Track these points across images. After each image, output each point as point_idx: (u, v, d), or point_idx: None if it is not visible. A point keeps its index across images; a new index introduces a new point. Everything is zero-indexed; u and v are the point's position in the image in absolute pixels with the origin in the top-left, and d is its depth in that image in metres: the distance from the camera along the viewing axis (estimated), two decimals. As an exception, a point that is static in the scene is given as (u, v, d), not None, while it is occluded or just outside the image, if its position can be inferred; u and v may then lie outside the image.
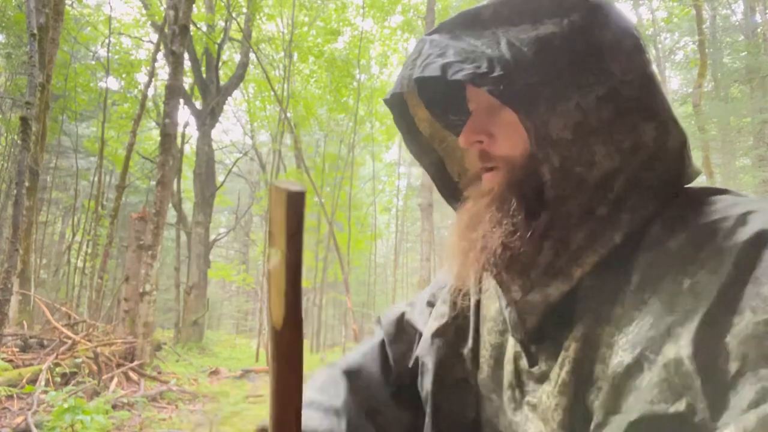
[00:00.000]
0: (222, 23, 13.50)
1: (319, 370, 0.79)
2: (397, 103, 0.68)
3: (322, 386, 0.74)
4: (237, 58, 14.63)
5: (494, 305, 0.68)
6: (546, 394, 0.55)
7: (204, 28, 12.94)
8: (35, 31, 5.56)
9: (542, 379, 0.57)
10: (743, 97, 11.53)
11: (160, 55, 11.86)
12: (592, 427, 0.48)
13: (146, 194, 16.70)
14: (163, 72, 13.72)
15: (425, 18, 11.01)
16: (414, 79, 0.57)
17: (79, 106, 13.99)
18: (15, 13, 10.87)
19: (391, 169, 22.27)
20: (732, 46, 12.39)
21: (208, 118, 12.78)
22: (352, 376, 0.75)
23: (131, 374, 6.31)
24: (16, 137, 9.76)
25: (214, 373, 8.42)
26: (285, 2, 13.68)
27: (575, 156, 0.51)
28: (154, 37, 13.39)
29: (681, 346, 0.41)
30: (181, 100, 9.65)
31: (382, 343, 0.80)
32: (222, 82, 13.26)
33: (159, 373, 6.95)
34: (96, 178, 12.65)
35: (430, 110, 0.69)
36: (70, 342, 6.27)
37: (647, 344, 0.44)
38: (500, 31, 0.53)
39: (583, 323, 0.52)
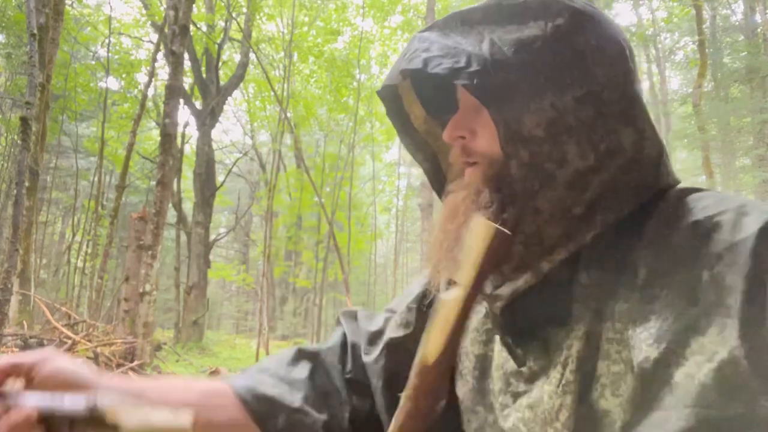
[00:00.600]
0: (222, 23, 13.50)
1: (281, 350, 0.80)
2: (391, 98, 0.69)
3: (281, 360, 0.76)
4: (237, 58, 14.63)
5: (476, 316, 0.68)
6: (547, 395, 0.54)
7: (204, 28, 12.94)
8: (35, 31, 5.56)
9: (532, 378, 0.57)
10: (743, 97, 11.53)
11: (160, 55, 11.87)
12: (619, 424, 0.47)
13: (146, 194, 16.69)
14: (163, 72, 13.73)
15: (425, 18, 11.01)
16: (407, 75, 0.59)
17: (79, 106, 13.98)
18: (15, 13, 10.87)
19: (391, 169, 22.27)
20: (732, 46, 12.39)
21: (208, 118, 12.78)
22: (311, 357, 0.76)
23: (131, 374, 6.31)
24: (16, 137, 9.76)
25: (214, 373, 8.41)
26: (285, 2, 13.68)
27: (545, 153, 0.52)
28: (154, 37, 13.40)
29: (731, 345, 0.41)
30: (181, 100, 9.65)
31: (344, 335, 0.81)
32: (222, 82, 13.26)
33: (159, 373, 6.95)
34: (96, 178, 12.65)
35: (426, 108, 0.70)
36: (70, 342, 6.27)
37: (673, 338, 0.44)
38: (486, 31, 0.55)
39: (583, 322, 0.53)
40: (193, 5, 8.17)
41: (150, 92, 12.95)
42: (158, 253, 6.80)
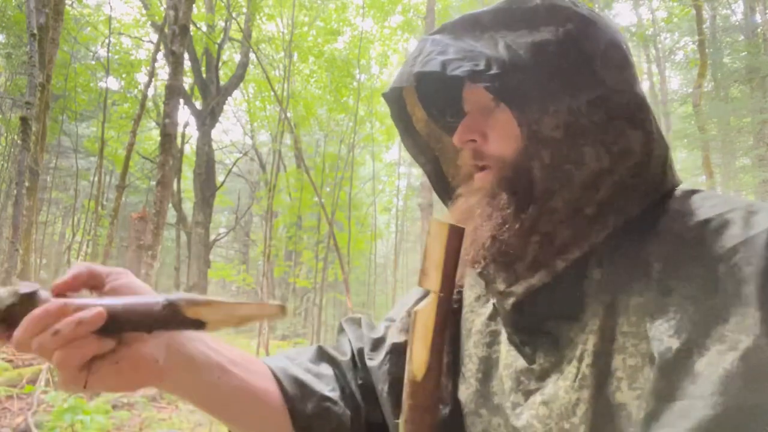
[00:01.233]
0: (222, 23, 13.50)
1: (299, 347, 0.81)
2: (395, 100, 0.70)
3: (305, 354, 0.76)
4: (237, 58, 14.63)
5: (479, 318, 0.68)
6: (563, 390, 0.54)
7: (204, 28, 12.93)
8: (35, 31, 5.56)
9: (543, 376, 0.57)
10: (743, 97, 11.52)
11: (160, 55, 11.86)
12: (642, 415, 0.47)
13: (146, 194, 16.69)
14: (163, 72, 13.73)
15: (425, 18, 11.01)
16: (414, 77, 0.59)
17: (79, 106, 13.97)
18: (15, 13, 10.86)
19: (391, 169, 22.26)
20: (732, 46, 12.39)
21: (208, 118, 12.77)
22: (331, 360, 0.77)
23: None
24: (16, 137, 9.76)
25: (214, 373, 8.41)
26: (285, 2, 13.67)
27: (564, 154, 0.54)
28: (154, 37, 13.39)
29: (754, 333, 0.42)
30: (181, 100, 9.65)
31: (349, 342, 0.81)
32: (222, 82, 13.26)
33: (159, 373, 6.95)
34: (96, 178, 12.64)
35: (428, 111, 0.71)
36: (70, 342, 6.27)
37: (693, 328, 0.45)
38: (498, 35, 0.56)
39: (597, 316, 0.54)
40: (193, 5, 8.17)
41: (150, 92, 12.95)
42: (158, 254, 6.80)
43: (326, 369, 0.74)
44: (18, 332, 0.44)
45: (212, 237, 14.08)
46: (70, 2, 11.92)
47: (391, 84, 0.65)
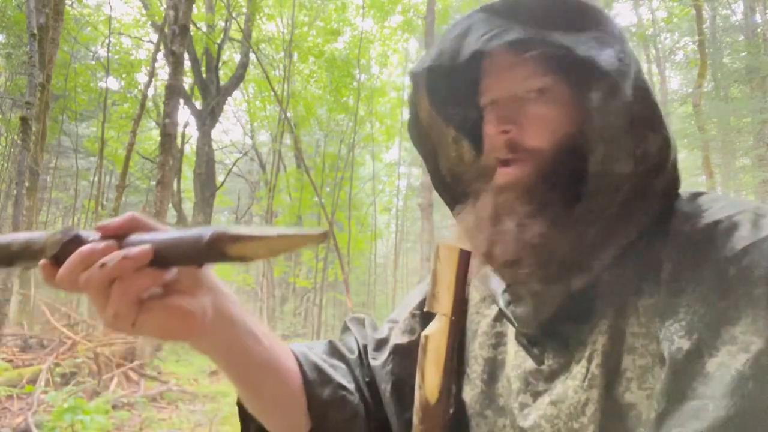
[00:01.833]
0: (222, 23, 13.49)
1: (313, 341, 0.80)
2: (416, 83, 0.67)
3: (318, 347, 0.76)
4: (237, 58, 14.62)
5: (485, 320, 0.68)
6: (572, 390, 0.54)
7: (204, 28, 12.93)
8: (35, 31, 5.56)
9: (552, 377, 0.57)
10: (743, 97, 11.53)
11: (160, 55, 11.87)
12: (653, 415, 0.47)
13: (146, 194, 16.69)
14: (163, 72, 13.72)
15: (425, 18, 11.01)
16: (471, 54, 0.56)
17: (79, 106, 13.98)
18: (15, 13, 10.86)
19: (391, 169, 22.25)
20: (732, 46, 12.40)
21: (208, 118, 12.76)
22: (342, 357, 0.76)
23: (131, 374, 6.30)
24: (16, 137, 9.76)
25: (214, 373, 8.40)
26: (285, 2, 13.68)
27: (611, 154, 0.54)
28: (154, 37, 13.39)
29: (766, 335, 0.42)
30: (181, 100, 9.65)
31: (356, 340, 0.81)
32: (222, 82, 13.25)
33: (159, 373, 6.95)
34: (96, 178, 12.65)
35: (431, 99, 0.68)
36: (70, 342, 6.27)
37: (704, 329, 0.46)
38: (547, 26, 0.55)
39: (607, 317, 0.54)
40: (193, 5, 8.17)
41: (150, 92, 12.96)
42: (158, 253, 6.79)
43: (339, 362, 0.73)
44: (65, 268, 0.44)
45: (212, 237, 14.03)
46: (70, 2, 11.93)
47: (430, 61, 0.61)
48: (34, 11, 5.66)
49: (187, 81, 12.93)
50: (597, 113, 0.53)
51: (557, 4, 0.57)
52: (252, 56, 13.16)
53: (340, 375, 0.70)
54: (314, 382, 0.66)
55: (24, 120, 5.23)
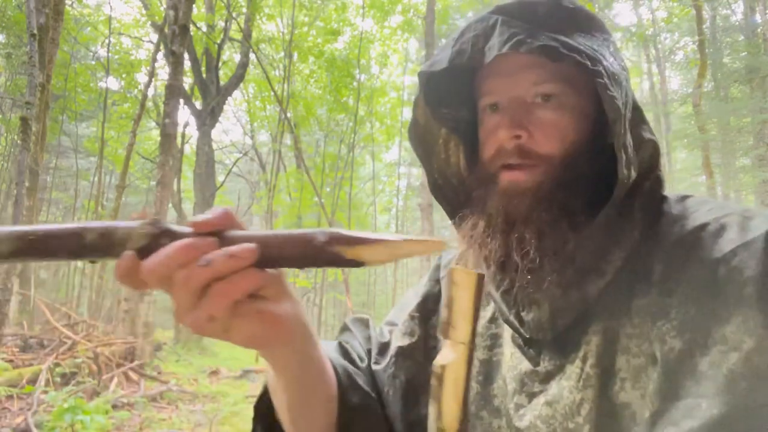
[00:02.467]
0: (222, 23, 13.49)
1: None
2: (423, 83, 0.66)
3: (334, 349, 0.74)
4: (237, 58, 14.62)
5: (480, 321, 0.68)
6: (567, 390, 0.55)
7: (204, 28, 12.93)
8: (35, 31, 5.56)
9: (548, 378, 0.58)
10: (743, 97, 11.52)
11: (160, 55, 11.86)
12: (647, 414, 0.47)
13: (146, 194, 16.69)
14: (163, 72, 13.72)
15: (425, 18, 11.01)
16: (492, 55, 0.55)
17: (79, 106, 13.98)
18: (15, 13, 10.86)
19: (391, 169, 22.25)
20: (732, 46, 12.39)
21: (208, 118, 12.76)
22: (352, 361, 0.75)
23: (131, 374, 6.31)
24: (16, 137, 9.76)
25: (214, 373, 8.42)
26: (285, 2, 13.67)
27: (630, 160, 0.54)
28: (154, 37, 13.39)
29: (757, 334, 0.42)
30: (181, 100, 9.65)
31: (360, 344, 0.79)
32: (222, 82, 13.25)
33: (159, 373, 6.95)
34: (96, 178, 12.65)
35: (426, 99, 0.68)
36: (70, 342, 6.27)
37: (695, 329, 0.46)
38: (561, 30, 0.55)
39: (600, 318, 0.54)
40: (193, 5, 8.17)
41: (150, 92, 12.96)
42: (158, 253, 6.79)
43: (357, 370, 0.71)
44: (157, 263, 0.40)
45: (212, 237, 14.02)
46: (70, 2, 11.92)
47: (446, 61, 0.59)
48: (34, 11, 5.66)
49: (187, 81, 12.93)
50: (616, 121, 0.53)
51: (565, 11, 0.57)
52: (252, 56, 13.16)
53: (363, 381, 0.69)
54: (347, 386, 0.64)
55: (24, 120, 5.23)
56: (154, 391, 5.87)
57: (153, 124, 15.54)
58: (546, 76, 0.58)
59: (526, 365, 0.60)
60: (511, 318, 0.60)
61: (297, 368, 0.54)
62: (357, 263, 0.40)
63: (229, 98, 14.33)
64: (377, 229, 21.12)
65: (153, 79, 11.98)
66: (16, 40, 11.91)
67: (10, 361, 5.55)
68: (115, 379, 5.89)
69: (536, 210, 0.56)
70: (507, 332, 0.64)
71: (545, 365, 0.58)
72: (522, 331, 0.60)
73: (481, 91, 0.63)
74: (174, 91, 7.22)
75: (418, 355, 0.70)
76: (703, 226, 0.52)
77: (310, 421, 0.60)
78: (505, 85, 0.60)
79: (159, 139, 8.00)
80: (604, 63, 0.53)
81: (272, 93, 12.35)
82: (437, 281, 0.77)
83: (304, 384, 0.56)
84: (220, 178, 14.77)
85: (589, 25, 0.57)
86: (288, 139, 17.22)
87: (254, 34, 13.97)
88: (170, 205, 10.08)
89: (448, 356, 0.41)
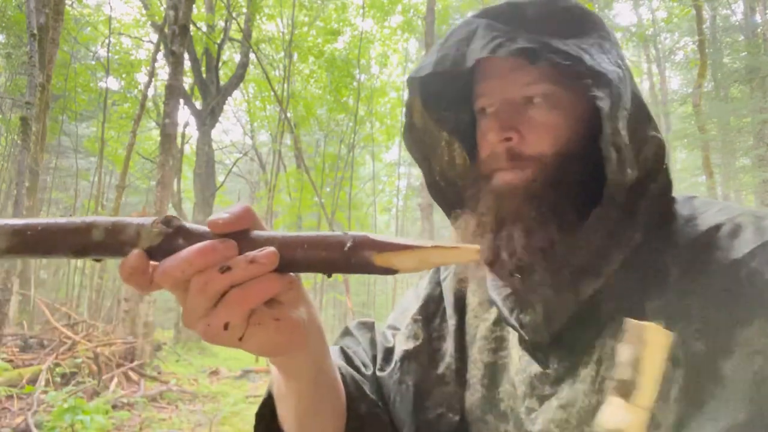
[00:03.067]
0: (222, 23, 13.50)
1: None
2: (413, 88, 0.66)
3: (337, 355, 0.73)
4: (237, 58, 14.62)
5: (484, 324, 0.67)
6: (582, 393, 0.54)
7: (204, 28, 12.93)
8: (35, 31, 5.57)
9: (558, 380, 0.57)
10: (743, 97, 11.52)
11: (160, 55, 11.86)
12: (672, 419, 0.47)
13: (146, 194, 16.69)
14: (163, 72, 13.72)
15: (425, 18, 11.01)
16: (472, 60, 0.55)
17: (79, 106, 13.98)
18: (15, 13, 10.86)
19: (391, 169, 22.25)
20: (732, 46, 12.39)
21: (208, 118, 12.77)
22: (356, 368, 0.74)
23: (131, 374, 6.30)
24: (16, 137, 9.76)
25: (214, 373, 8.42)
26: (285, 2, 13.68)
27: (624, 161, 0.53)
28: (154, 37, 13.39)
29: None
30: (181, 100, 9.65)
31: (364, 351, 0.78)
32: (222, 82, 13.25)
33: (159, 373, 6.95)
34: (96, 178, 12.65)
35: (424, 102, 0.68)
36: (70, 342, 6.26)
37: (718, 331, 0.46)
38: (548, 31, 0.55)
39: (615, 320, 0.53)
40: (193, 5, 8.17)
41: (150, 92, 12.95)
42: (158, 253, 6.79)
43: (362, 378, 0.70)
44: (172, 266, 0.37)
45: (212, 237, 14.02)
46: (70, 2, 11.92)
47: (431, 67, 0.59)
48: (34, 11, 5.67)
49: (187, 81, 12.93)
50: (608, 120, 0.52)
51: (558, 10, 0.57)
52: (252, 56, 13.16)
53: (369, 390, 0.68)
54: (355, 395, 0.64)
55: (24, 120, 5.23)
56: (154, 391, 5.87)
57: (153, 124, 15.54)
58: (535, 78, 0.58)
59: (535, 368, 0.59)
60: (512, 321, 0.60)
61: (310, 375, 0.52)
62: (387, 270, 0.38)
63: (229, 98, 14.33)
64: (377, 229, 21.11)
65: (153, 79, 11.99)
66: (16, 40, 11.91)
67: (10, 361, 5.55)
68: (115, 379, 5.89)
69: (525, 209, 0.55)
70: (513, 335, 0.64)
71: (555, 367, 0.57)
72: (522, 333, 0.59)
73: (476, 94, 0.64)
74: (174, 91, 7.22)
75: (423, 358, 0.70)
76: (717, 227, 0.51)
77: (317, 428, 0.59)
78: (496, 88, 0.61)
79: (159, 139, 8.00)
80: (588, 63, 0.52)
81: (272, 93, 12.35)
82: (438, 283, 0.76)
83: (316, 391, 0.55)
84: (220, 178, 14.78)
85: (582, 23, 0.56)
86: (288, 139, 17.22)
87: (254, 34, 13.97)
88: (170, 205, 10.07)
89: (622, 418, 0.37)
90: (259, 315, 0.41)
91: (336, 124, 17.08)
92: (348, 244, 0.38)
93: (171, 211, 12.21)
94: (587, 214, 0.55)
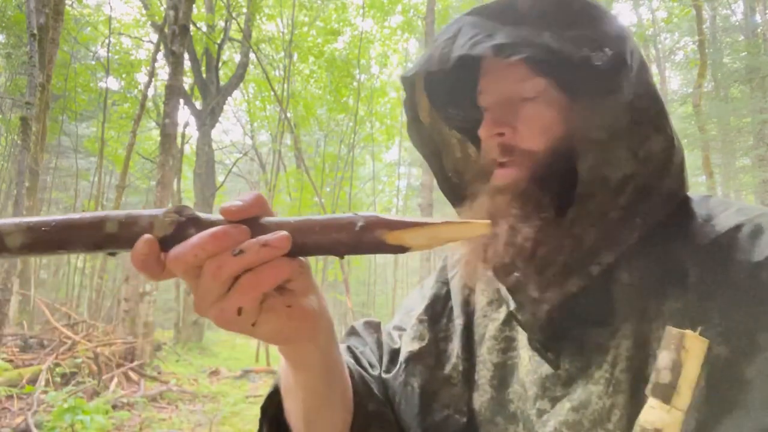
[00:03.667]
0: (222, 23, 13.50)
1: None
2: (409, 86, 0.66)
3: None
4: (237, 58, 14.62)
5: (493, 324, 0.67)
6: (596, 395, 0.53)
7: (204, 28, 12.93)
8: (35, 31, 5.57)
9: (570, 381, 0.56)
10: (743, 97, 11.52)
11: (160, 55, 11.85)
12: (694, 425, 0.46)
13: (146, 194, 16.69)
14: (163, 72, 13.72)
15: (425, 18, 11.01)
16: (455, 59, 0.55)
17: (79, 106, 13.98)
18: (15, 13, 10.86)
19: (391, 169, 22.25)
20: (732, 46, 12.39)
21: (208, 118, 12.77)
22: (363, 368, 0.73)
23: (131, 374, 6.31)
24: (16, 137, 9.76)
25: (214, 373, 8.42)
26: (285, 2, 13.67)
27: (605, 157, 0.52)
28: (154, 37, 13.39)
29: None
30: (181, 100, 9.64)
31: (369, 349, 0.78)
32: (222, 82, 13.25)
33: (159, 373, 6.95)
34: (96, 178, 12.65)
35: (431, 100, 0.68)
36: (70, 342, 6.27)
37: (741, 335, 0.45)
38: (539, 26, 0.54)
39: (630, 321, 0.53)
40: (193, 5, 8.17)
41: (150, 92, 12.95)
42: (158, 253, 6.79)
43: (369, 377, 0.69)
44: (186, 251, 0.37)
45: (212, 237, 14.02)
46: (70, 2, 11.92)
47: (419, 66, 0.60)
48: (34, 11, 5.67)
49: (187, 81, 12.93)
50: (585, 115, 0.52)
51: (550, 4, 0.56)
52: (252, 56, 13.16)
53: (376, 389, 0.67)
54: (363, 393, 0.63)
55: (24, 120, 5.24)
56: (154, 391, 5.87)
57: (153, 124, 15.54)
58: (530, 73, 0.57)
59: (546, 368, 0.58)
60: (520, 318, 0.60)
61: (319, 366, 0.52)
62: (400, 249, 0.38)
63: (229, 98, 14.33)
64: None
65: (153, 79, 11.98)
66: (16, 40, 11.91)
67: (10, 361, 5.55)
68: (115, 379, 5.89)
69: (511, 206, 0.55)
70: (522, 335, 0.63)
71: (566, 368, 0.56)
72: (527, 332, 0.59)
73: (478, 91, 0.64)
74: (174, 91, 7.22)
75: (429, 359, 0.69)
76: (737, 228, 0.51)
77: (325, 423, 0.59)
78: (492, 84, 0.61)
79: (159, 139, 8.00)
80: (569, 55, 0.51)
81: (272, 93, 12.35)
82: (445, 282, 0.76)
83: (324, 382, 0.54)
84: (220, 178, 14.77)
85: (573, 16, 0.55)
86: (288, 139, 17.22)
87: (254, 34, 13.97)
88: (170, 205, 10.06)
89: (661, 418, 0.39)
90: (271, 301, 0.41)
91: (336, 124, 17.08)
92: (359, 224, 0.38)
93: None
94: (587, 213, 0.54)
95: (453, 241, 0.39)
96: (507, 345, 0.65)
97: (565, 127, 0.57)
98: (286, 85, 12.08)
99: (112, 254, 0.41)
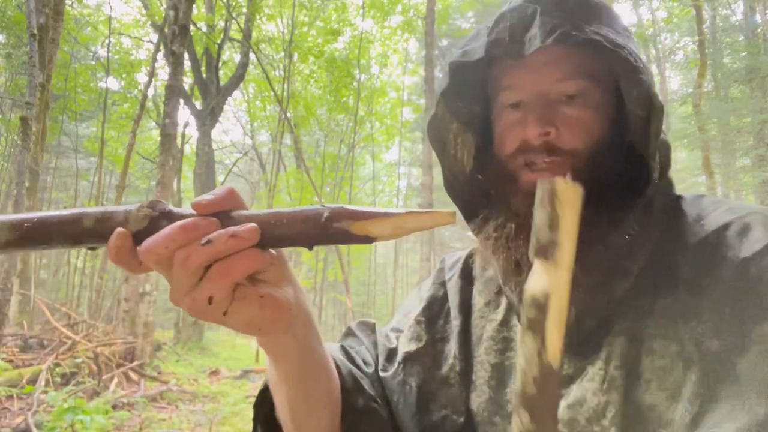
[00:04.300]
0: (222, 23, 13.49)
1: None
2: (459, 72, 0.63)
3: (334, 351, 0.72)
4: (237, 58, 14.62)
5: (491, 325, 0.67)
6: (591, 392, 0.54)
7: (204, 28, 12.93)
8: (35, 31, 5.57)
9: (568, 381, 0.56)
10: (743, 97, 11.52)
11: (160, 55, 11.85)
12: (689, 418, 0.46)
13: (146, 194, 16.69)
14: (163, 72, 13.72)
15: (425, 18, 11.01)
16: (535, 46, 0.54)
17: (79, 106, 13.98)
18: (15, 13, 10.86)
19: (391, 169, 22.25)
20: (732, 46, 12.38)
21: (208, 118, 12.76)
22: (357, 366, 0.73)
23: (131, 374, 6.30)
24: (16, 137, 9.76)
25: (214, 373, 8.41)
26: (285, 2, 13.67)
27: (657, 159, 0.54)
28: (154, 37, 13.39)
29: None
30: (181, 100, 9.64)
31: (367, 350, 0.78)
32: (222, 82, 13.25)
33: (159, 373, 6.95)
34: (96, 178, 12.65)
35: (443, 93, 0.66)
36: (70, 342, 6.26)
37: (732, 329, 0.46)
38: (586, 21, 0.55)
39: (623, 318, 0.53)
40: (193, 5, 8.17)
41: (150, 92, 12.95)
42: (158, 253, 6.79)
43: (361, 374, 0.69)
44: (157, 242, 0.39)
45: (212, 237, 14.02)
46: (70, 2, 11.92)
47: (486, 50, 0.57)
48: (34, 11, 5.67)
49: (187, 81, 12.93)
50: (652, 118, 0.53)
51: (593, 4, 0.57)
52: (252, 56, 13.16)
53: (367, 385, 0.67)
54: (351, 389, 0.63)
55: (24, 120, 5.24)
56: (154, 391, 5.87)
57: (153, 124, 15.54)
58: (571, 73, 0.57)
59: None
60: None
61: (297, 357, 0.52)
62: (366, 239, 0.39)
63: (229, 98, 14.33)
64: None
65: (153, 79, 11.98)
66: (16, 40, 11.90)
67: (10, 361, 5.55)
68: (115, 379, 5.89)
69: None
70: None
71: (565, 368, 0.57)
72: None
73: (501, 85, 0.61)
74: (174, 91, 7.22)
75: (426, 359, 0.69)
76: (726, 226, 0.51)
77: (311, 418, 0.59)
78: (529, 81, 0.59)
79: (159, 139, 8.00)
80: (643, 60, 0.53)
81: (272, 93, 12.35)
82: (442, 284, 0.75)
83: (304, 375, 0.54)
84: (220, 178, 14.77)
85: (613, 19, 0.57)
86: (288, 139, 17.22)
87: (254, 34, 13.97)
88: (170, 204, 10.05)
89: (545, 282, 0.37)
90: (243, 290, 0.42)
91: (336, 124, 17.08)
92: (325, 215, 0.39)
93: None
94: (611, 212, 0.55)
95: (418, 231, 0.39)
96: (505, 346, 0.65)
97: (603, 127, 0.57)
98: (286, 85, 12.08)
99: (92, 249, 0.43)
